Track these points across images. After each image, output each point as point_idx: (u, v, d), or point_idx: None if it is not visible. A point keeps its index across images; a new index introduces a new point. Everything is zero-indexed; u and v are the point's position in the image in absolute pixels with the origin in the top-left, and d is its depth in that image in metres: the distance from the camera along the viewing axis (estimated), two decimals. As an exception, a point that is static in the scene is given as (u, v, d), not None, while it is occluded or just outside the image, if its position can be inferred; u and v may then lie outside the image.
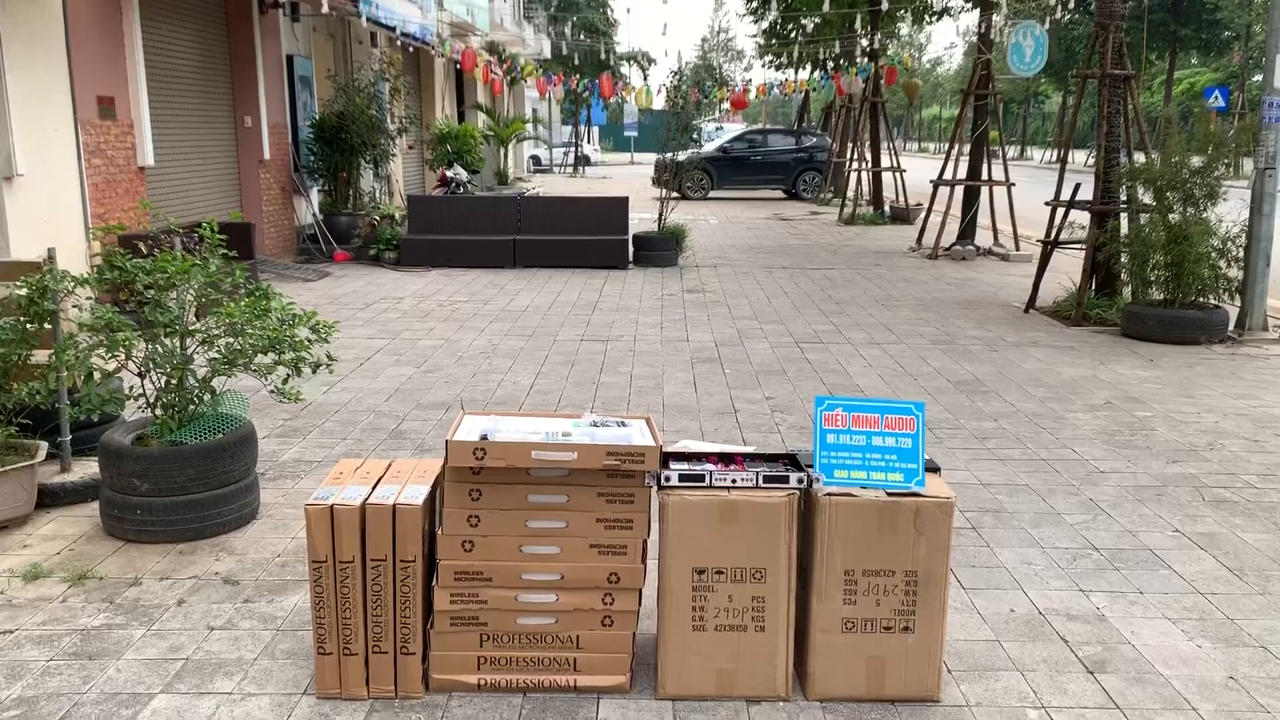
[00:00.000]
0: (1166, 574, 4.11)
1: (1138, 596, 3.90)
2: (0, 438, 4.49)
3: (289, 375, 4.44)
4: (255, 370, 4.42)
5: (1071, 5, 22.61)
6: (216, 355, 4.41)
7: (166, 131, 10.94)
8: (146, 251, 4.53)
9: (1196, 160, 8.82)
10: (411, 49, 19.31)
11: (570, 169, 41.49)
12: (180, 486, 4.23)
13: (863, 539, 3.07)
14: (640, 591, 3.18)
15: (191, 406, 4.45)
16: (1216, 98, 34.96)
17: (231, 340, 4.41)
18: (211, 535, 4.32)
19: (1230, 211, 8.83)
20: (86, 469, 4.78)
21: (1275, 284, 9.38)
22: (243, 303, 4.38)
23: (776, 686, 3.15)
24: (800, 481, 3.09)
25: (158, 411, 4.42)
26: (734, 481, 3.07)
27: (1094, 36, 10.01)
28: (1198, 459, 5.55)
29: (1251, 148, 8.88)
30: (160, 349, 4.34)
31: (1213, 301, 8.88)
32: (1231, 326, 8.81)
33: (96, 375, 4.40)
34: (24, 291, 4.47)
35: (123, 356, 4.32)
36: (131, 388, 4.57)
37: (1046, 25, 14.76)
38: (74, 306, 4.67)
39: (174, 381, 4.41)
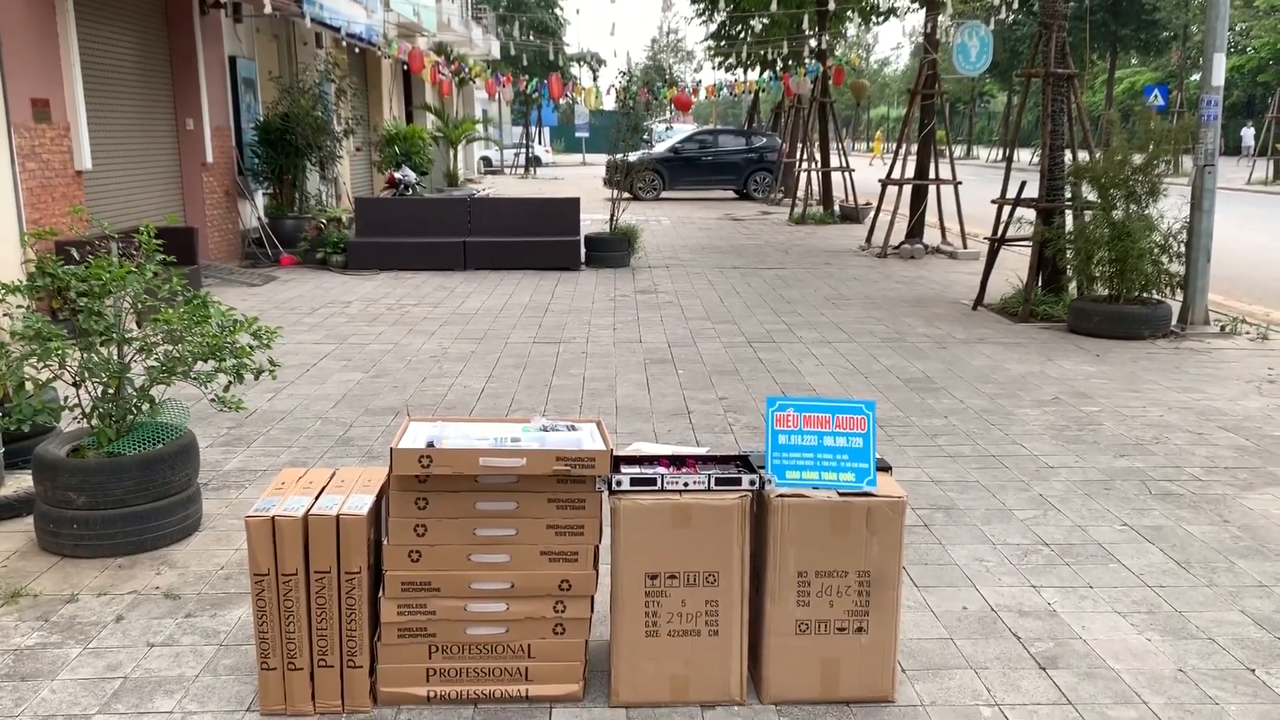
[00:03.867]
0: (1116, 568, 4.14)
1: (1088, 591, 3.93)
2: (-72, 452, 4.33)
3: (230, 383, 4.33)
4: (195, 378, 4.30)
5: (1015, 5, 22.91)
6: (155, 363, 4.29)
7: (105, 135, 10.69)
8: (81, 258, 4.40)
9: (1138, 158, 8.95)
10: (357, 50, 19.08)
11: (521, 170, 41.31)
12: (118, 499, 4.11)
13: (815, 540, 3.05)
14: (592, 598, 3.13)
15: (129, 416, 4.32)
16: (1156, 96, 35.64)
17: (170, 348, 4.29)
18: (152, 549, 4.20)
19: (1171, 208, 8.98)
20: (20, 483, 4.63)
21: (1216, 279, 9.55)
22: (181, 309, 4.27)
23: (731, 691, 3.12)
24: (752, 483, 3.06)
25: (94, 422, 4.29)
26: (686, 484, 3.04)
27: (1037, 36, 10.14)
28: (1144, 453, 5.62)
29: (1191, 146, 9.05)
30: (96, 358, 4.21)
31: (1156, 297, 9.02)
32: (1175, 321, 8.96)
33: (29, 385, 4.26)
34: (-49, 300, 4.32)
35: (56, 366, 4.19)
36: (67, 398, 4.44)
37: (991, 25, 14.93)
38: (5, 315, 4.52)
39: (111, 391, 4.28)
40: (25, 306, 4.47)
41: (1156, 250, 8.79)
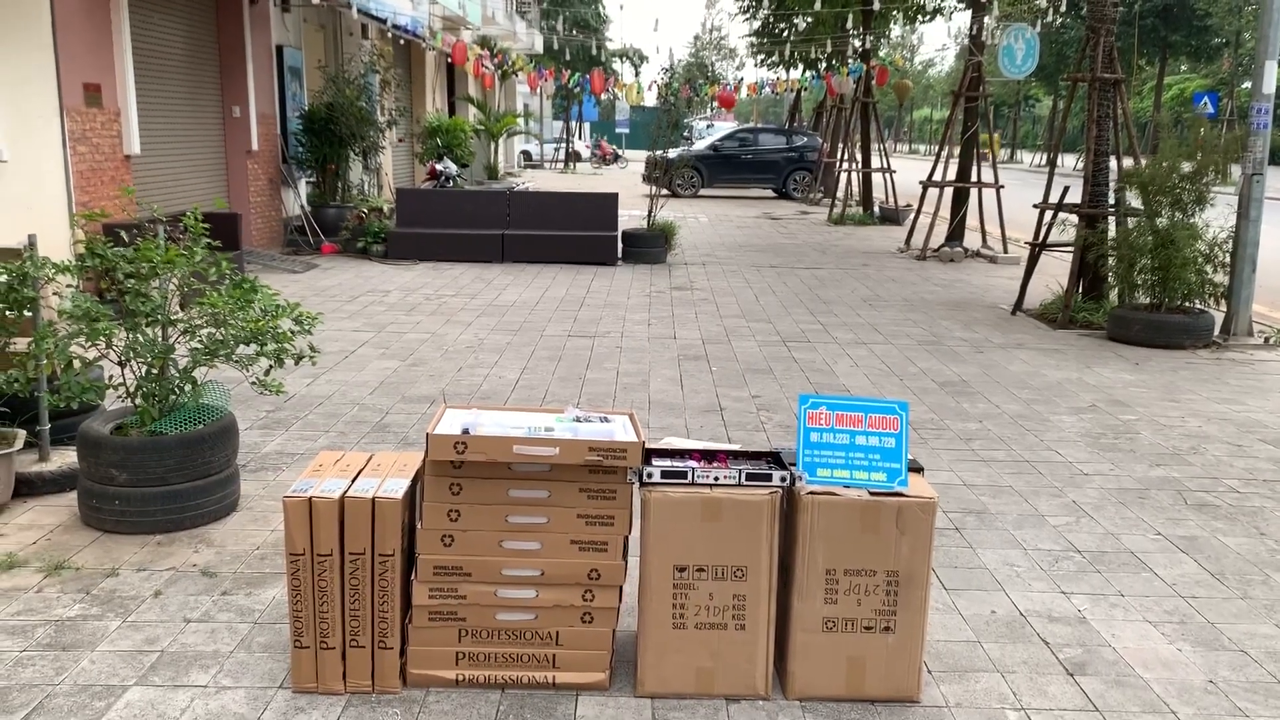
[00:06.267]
0: (1148, 577, 4.11)
1: (1119, 599, 3.90)
2: (-22, 425, 4.44)
3: (271, 367, 4.40)
4: (237, 361, 4.38)
5: (1063, 9, 22.67)
6: (198, 345, 4.37)
7: (153, 120, 10.87)
8: (129, 240, 4.49)
9: (1187, 165, 8.84)
10: (402, 41, 19.23)
11: (561, 165, 41.43)
12: (159, 477, 4.19)
13: (845, 538, 3.06)
14: (621, 588, 3.16)
15: (172, 397, 4.41)
16: (1206, 104, 35.11)
17: (213, 330, 4.37)
18: (190, 527, 4.28)
19: (1218, 217, 8.86)
20: (65, 458, 4.74)
21: (1261, 289, 9.40)
22: (225, 293, 4.34)
23: (756, 685, 3.14)
24: (783, 480, 3.08)
25: (137, 401, 4.38)
26: (716, 479, 3.05)
27: (1085, 40, 10.03)
28: (1181, 463, 5.56)
29: (1239, 154, 8.92)
30: (141, 338, 4.30)
31: (1199, 306, 8.91)
32: (1217, 331, 8.84)
33: (76, 364, 4.36)
34: (3, 278, 4.42)
35: (103, 345, 4.29)
36: (111, 377, 4.53)
37: (1038, 28, 14.78)
38: (55, 294, 4.62)
39: (154, 371, 4.37)
40: (74, 286, 4.57)
41: (1201, 259, 8.68)
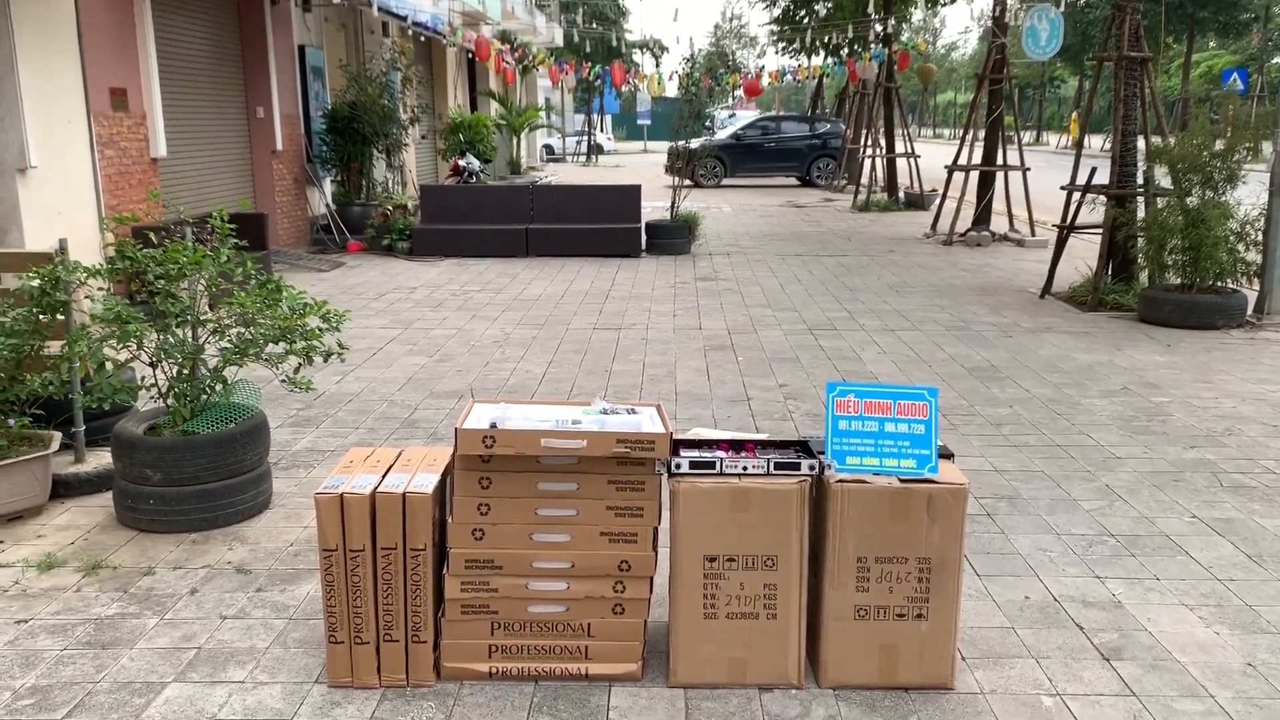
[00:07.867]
0: (1184, 560, 4.07)
1: (1154, 583, 3.87)
2: (14, 428, 4.50)
3: (300, 364, 4.43)
4: (266, 360, 4.42)
5: (1087, -12, 22.40)
6: (228, 345, 4.41)
7: (179, 123, 10.96)
8: (158, 242, 4.53)
9: (1219, 143, 8.71)
10: (423, 38, 19.27)
11: (583, 158, 41.43)
12: (192, 476, 4.24)
13: (875, 526, 3.05)
14: (651, 579, 3.16)
15: (203, 396, 4.45)
16: (1235, 80, 34.60)
17: (243, 330, 4.41)
18: (224, 525, 4.33)
19: (1249, 195, 8.74)
20: (100, 459, 4.79)
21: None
22: (253, 293, 4.38)
23: (789, 674, 3.13)
24: (812, 468, 3.07)
25: (170, 401, 4.43)
26: (745, 468, 3.05)
27: (1111, 19, 9.91)
28: (1215, 444, 5.50)
29: (1271, 130, 8.79)
30: (172, 339, 4.34)
31: (1231, 286, 8.79)
32: (1250, 311, 8.72)
33: (109, 365, 4.41)
34: (36, 282, 4.48)
35: (134, 346, 4.33)
36: (143, 378, 4.58)
37: (1062, 8, 14.59)
38: (86, 297, 4.67)
39: (185, 371, 4.41)
40: (105, 289, 4.62)
41: (1232, 238, 8.57)
